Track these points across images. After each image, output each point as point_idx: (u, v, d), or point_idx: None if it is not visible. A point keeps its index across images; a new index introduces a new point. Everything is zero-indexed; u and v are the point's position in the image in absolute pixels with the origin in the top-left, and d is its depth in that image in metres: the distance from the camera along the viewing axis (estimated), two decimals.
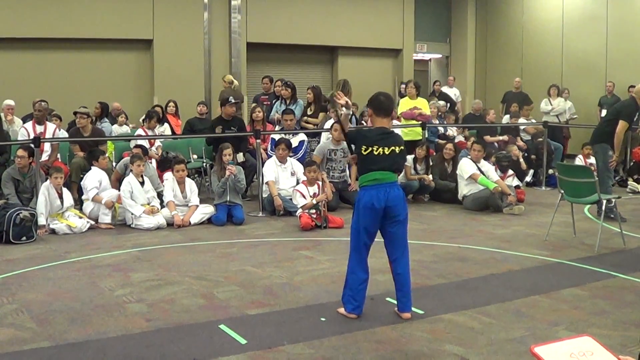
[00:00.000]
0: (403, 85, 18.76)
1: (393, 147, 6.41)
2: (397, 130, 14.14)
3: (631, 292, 7.38)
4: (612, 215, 10.83)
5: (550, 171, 15.43)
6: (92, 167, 11.50)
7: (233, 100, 14.37)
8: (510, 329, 6.17)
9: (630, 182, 15.41)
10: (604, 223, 9.77)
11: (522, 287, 7.53)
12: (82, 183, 11.52)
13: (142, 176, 11.49)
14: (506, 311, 6.69)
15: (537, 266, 8.59)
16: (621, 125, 11.32)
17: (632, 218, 11.67)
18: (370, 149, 6.38)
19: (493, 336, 5.97)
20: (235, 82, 17.41)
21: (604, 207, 9.82)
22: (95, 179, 11.25)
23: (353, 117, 14.49)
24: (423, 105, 15.30)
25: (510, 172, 14.06)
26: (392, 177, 6.46)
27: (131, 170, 11.54)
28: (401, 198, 6.48)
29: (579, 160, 15.14)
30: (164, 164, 13.04)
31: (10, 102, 14.70)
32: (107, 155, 11.54)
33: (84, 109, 13.15)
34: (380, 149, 6.37)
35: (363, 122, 15.17)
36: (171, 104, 16.77)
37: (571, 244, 9.86)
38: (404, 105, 15.36)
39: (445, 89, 20.59)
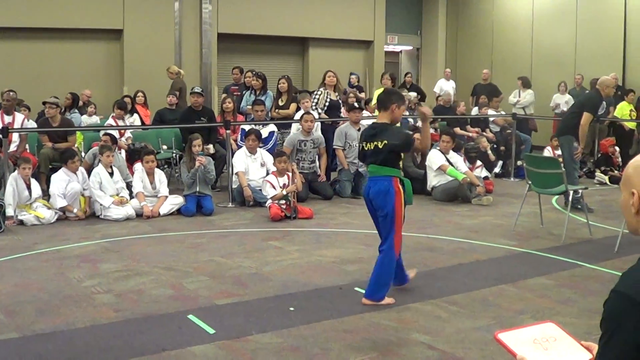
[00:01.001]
0: (354, 76, 18.60)
1: (376, 142, 6.63)
2: (369, 121, 14.22)
3: (596, 281, 7.46)
4: (579, 206, 10.91)
5: (519, 162, 15.51)
6: (61, 169, 11.32)
7: (197, 90, 14.30)
8: (477, 317, 6.22)
9: (598, 173, 15.52)
10: (570, 214, 9.87)
11: (490, 277, 7.60)
12: (50, 185, 11.31)
13: (111, 167, 11.45)
14: (473, 300, 6.75)
15: (505, 256, 8.66)
16: (585, 117, 11.39)
17: (599, 209, 11.77)
18: (361, 145, 6.85)
19: (460, 324, 6.02)
20: (182, 71, 17.39)
21: (570, 198, 9.90)
22: (61, 185, 11.00)
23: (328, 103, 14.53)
24: None
25: (479, 163, 14.12)
26: (379, 170, 6.65)
27: (100, 161, 11.49)
28: (381, 192, 6.59)
29: (548, 152, 15.22)
30: (133, 156, 12.99)
31: None
32: (76, 158, 11.36)
33: (53, 99, 13.05)
34: (369, 144, 6.70)
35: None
36: (140, 94, 16.65)
37: (538, 234, 9.94)
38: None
39: (442, 82, 20.49)
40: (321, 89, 15.15)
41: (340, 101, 14.52)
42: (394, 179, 6.61)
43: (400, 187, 6.63)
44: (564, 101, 18.40)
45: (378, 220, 6.75)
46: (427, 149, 10.69)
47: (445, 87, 20.18)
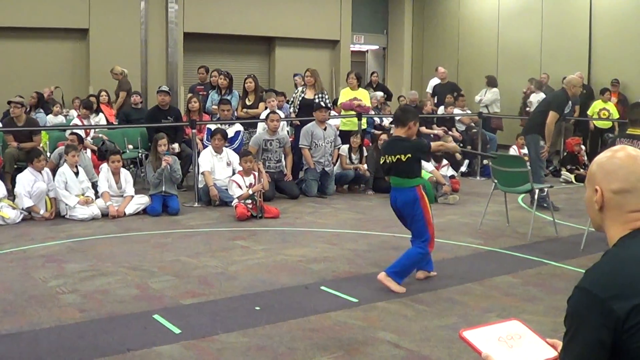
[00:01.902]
0: (297, 77, 18.39)
1: (398, 155, 7.17)
2: (334, 121, 14.23)
3: (562, 279, 7.50)
4: (545, 205, 10.96)
5: (485, 161, 15.58)
6: (27, 169, 11.22)
7: (164, 88, 14.28)
8: (443, 315, 6.25)
9: (564, 172, 15.63)
10: (536, 212, 9.93)
11: (455, 275, 7.64)
12: (16, 185, 11.20)
13: (76, 166, 11.37)
14: (439, 298, 6.78)
15: (471, 254, 8.72)
16: (551, 116, 11.47)
17: (565, 207, 11.86)
18: (383, 158, 7.42)
19: (426, 323, 6.04)
20: (125, 70, 17.34)
21: (536, 197, 9.95)
22: (27, 185, 10.91)
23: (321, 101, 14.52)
24: (363, 97, 15.24)
25: (445, 162, 14.17)
26: (401, 182, 7.25)
27: (65, 160, 11.41)
28: (409, 203, 7.23)
29: (513, 151, 15.30)
30: (104, 154, 12.91)
31: None
32: (42, 157, 11.28)
33: (19, 99, 12.94)
34: (391, 157, 7.24)
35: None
36: (103, 93, 16.56)
37: (504, 232, 10.00)
38: (344, 95, 15.31)
39: (434, 82, 20.23)
40: (299, 88, 15.16)
41: (316, 100, 14.48)
42: (418, 187, 7.17)
43: (423, 192, 7.20)
44: (536, 100, 18.45)
45: (407, 223, 7.45)
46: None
47: (438, 87, 19.87)
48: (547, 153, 12.02)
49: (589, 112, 17.61)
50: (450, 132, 16.62)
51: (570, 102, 12.20)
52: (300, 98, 14.60)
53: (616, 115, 17.00)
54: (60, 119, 15.85)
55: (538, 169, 11.60)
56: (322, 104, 13.91)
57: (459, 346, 5.31)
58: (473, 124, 17.04)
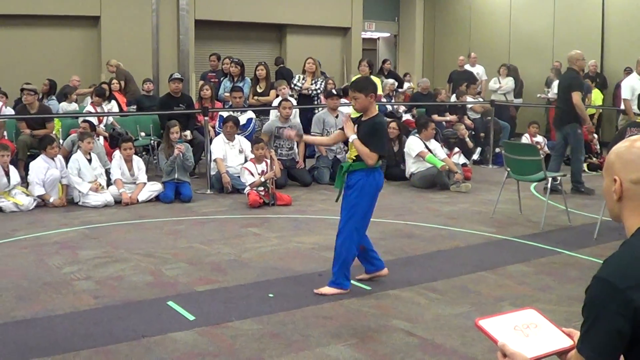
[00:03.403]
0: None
1: None
2: (346, 108, 14.22)
3: (575, 268, 7.50)
4: (583, 190, 11.76)
5: (497, 149, 15.57)
6: (40, 156, 11.26)
7: (177, 76, 14.31)
8: (456, 304, 6.25)
9: None
10: (549, 201, 9.90)
11: (468, 263, 7.63)
12: (29, 172, 11.24)
13: (89, 153, 11.40)
14: (452, 287, 6.77)
15: (483, 243, 8.70)
16: (575, 96, 11.58)
17: (578, 196, 11.82)
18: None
19: (439, 311, 6.05)
20: (120, 63, 17.38)
21: (549, 185, 9.94)
22: (41, 172, 10.95)
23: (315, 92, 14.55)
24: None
25: (457, 149, 14.17)
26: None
27: (79, 147, 11.45)
28: None
29: (526, 139, 15.27)
30: (115, 141, 12.95)
31: None
32: (55, 144, 11.32)
33: (31, 86, 12.97)
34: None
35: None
36: (114, 81, 16.60)
37: (517, 221, 9.98)
38: None
39: (468, 67, 20.23)
40: (299, 75, 15.17)
41: (312, 88, 14.46)
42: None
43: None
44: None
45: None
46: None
47: (455, 74, 19.84)
48: (592, 128, 12.19)
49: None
50: (462, 121, 16.59)
51: (588, 85, 12.28)
52: (299, 86, 14.65)
53: None
54: (74, 106, 15.86)
55: (580, 155, 11.94)
56: (315, 90, 14.02)
57: (472, 334, 5.32)
58: (488, 112, 16.99)
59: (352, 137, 6.45)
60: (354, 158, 6.55)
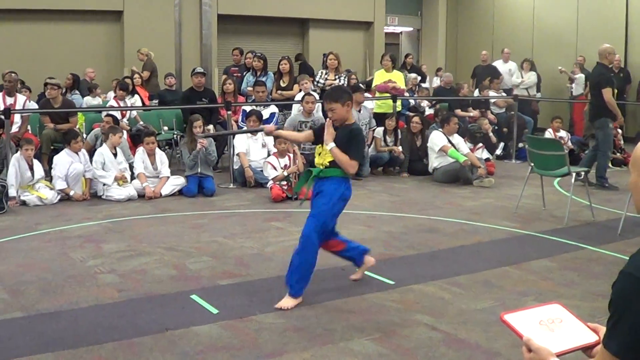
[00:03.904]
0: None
1: None
2: (369, 103, 14.21)
3: (599, 263, 7.46)
4: (607, 185, 11.84)
5: (520, 144, 15.52)
6: (64, 150, 11.32)
7: (200, 70, 14.35)
8: (479, 299, 6.23)
9: None
10: (573, 196, 9.86)
11: (492, 259, 7.61)
12: (53, 166, 11.29)
13: (115, 147, 11.45)
14: (476, 282, 6.76)
15: (507, 238, 8.67)
16: (606, 92, 11.66)
17: (601, 191, 11.77)
18: None
19: (463, 306, 6.03)
20: (152, 53, 17.47)
21: (573, 180, 9.88)
22: (64, 167, 10.97)
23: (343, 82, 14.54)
24: (398, 79, 15.24)
25: (480, 144, 14.13)
26: None
27: (102, 142, 11.49)
28: None
29: (549, 134, 15.21)
30: (137, 139, 13.00)
31: None
32: (79, 138, 11.39)
33: (55, 80, 13.01)
34: None
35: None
36: (136, 75, 16.65)
37: (540, 216, 9.95)
38: (379, 77, 15.31)
39: (499, 64, 20.11)
40: (321, 71, 15.17)
41: (336, 83, 14.47)
42: None
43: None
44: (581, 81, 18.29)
45: None
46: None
47: (501, 68, 19.67)
48: (622, 120, 12.26)
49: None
50: (485, 115, 16.55)
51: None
52: (323, 82, 14.67)
53: None
54: (98, 100, 15.93)
55: (607, 150, 12.00)
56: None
57: (495, 329, 5.30)
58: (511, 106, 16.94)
59: (331, 145, 6.17)
60: (327, 164, 6.31)
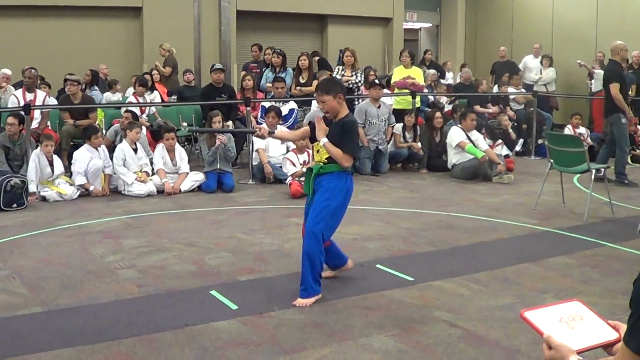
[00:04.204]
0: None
1: None
2: (388, 99, 14.18)
3: (619, 261, 7.43)
4: (627, 182, 11.86)
5: (540, 141, 15.48)
6: (84, 146, 11.36)
7: (219, 66, 14.38)
8: (499, 295, 6.22)
9: None
10: (592, 192, 9.82)
11: (511, 255, 7.58)
12: (72, 162, 11.34)
13: (135, 143, 11.49)
14: (495, 278, 6.74)
15: (526, 234, 8.65)
16: (613, 87, 11.65)
17: (621, 188, 11.73)
18: None
19: (482, 303, 6.02)
20: (173, 49, 17.51)
21: (592, 177, 9.84)
22: (83, 162, 11.04)
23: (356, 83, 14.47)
24: (417, 75, 15.19)
25: (499, 141, 14.10)
26: None
27: (122, 138, 11.54)
28: None
29: (568, 130, 15.16)
30: (157, 135, 13.04)
31: (7, 71, 14.55)
32: (99, 134, 11.44)
33: (75, 76, 13.06)
34: None
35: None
36: (155, 71, 16.69)
37: (560, 212, 9.92)
38: (398, 73, 15.27)
39: (529, 59, 20.03)
40: (338, 67, 15.15)
41: (352, 80, 14.45)
42: None
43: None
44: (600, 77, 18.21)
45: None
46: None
47: (531, 64, 19.69)
48: (633, 118, 12.24)
49: None
50: (504, 112, 16.51)
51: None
52: (340, 78, 14.64)
53: None
54: (118, 96, 15.98)
55: (624, 145, 11.99)
56: (356, 82, 14.00)
57: (515, 326, 5.29)
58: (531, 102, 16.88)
59: (323, 140, 6.18)
60: (325, 161, 6.27)
